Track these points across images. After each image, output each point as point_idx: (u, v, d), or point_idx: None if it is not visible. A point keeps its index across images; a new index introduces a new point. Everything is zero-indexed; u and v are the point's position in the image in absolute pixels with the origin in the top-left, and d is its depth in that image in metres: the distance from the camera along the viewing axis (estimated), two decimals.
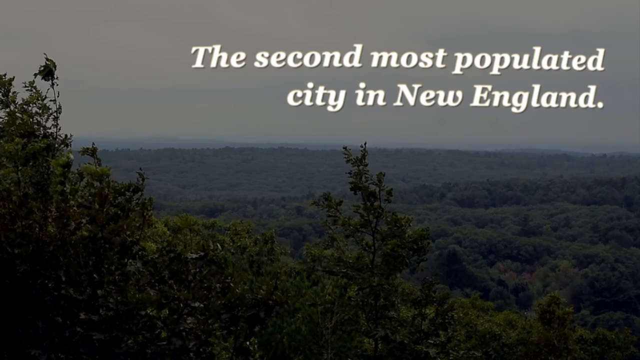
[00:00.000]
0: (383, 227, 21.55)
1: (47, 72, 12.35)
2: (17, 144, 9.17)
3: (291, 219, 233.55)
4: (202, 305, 9.66)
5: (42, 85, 13.66)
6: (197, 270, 9.73)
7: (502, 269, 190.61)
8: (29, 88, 13.66)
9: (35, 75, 12.71)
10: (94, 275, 9.45)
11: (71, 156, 9.42)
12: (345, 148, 21.36)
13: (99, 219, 9.40)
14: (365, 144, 21.32)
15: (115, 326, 9.29)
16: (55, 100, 13.10)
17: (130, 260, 9.61)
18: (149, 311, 9.45)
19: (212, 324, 9.68)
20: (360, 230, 21.54)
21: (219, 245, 9.95)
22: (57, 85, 12.70)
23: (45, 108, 13.67)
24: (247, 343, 10.00)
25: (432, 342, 21.13)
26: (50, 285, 9.33)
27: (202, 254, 9.76)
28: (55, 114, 13.43)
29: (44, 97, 13.62)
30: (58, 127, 13.56)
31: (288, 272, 36.61)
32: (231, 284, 9.81)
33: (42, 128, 13.49)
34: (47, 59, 12.28)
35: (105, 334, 9.18)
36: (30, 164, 9.37)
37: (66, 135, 13.40)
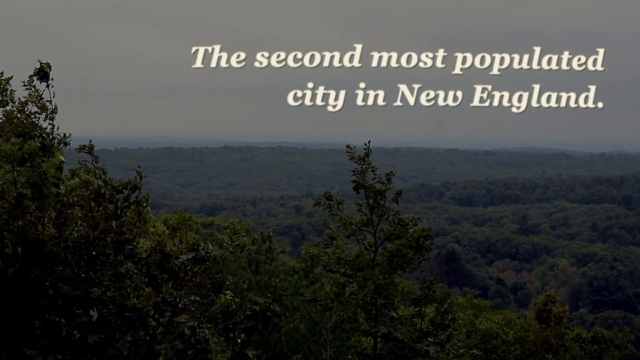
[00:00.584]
0: (386, 227, 21.47)
1: (42, 74, 12.40)
2: (14, 144, 9.14)
3: (290, 217, 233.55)
4: (197, 299, 9.66)
5: (41, 84, 13.73)
6: (188, 268, 9.71)
7: (500, 267, 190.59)
8: (28, 87, 13.68)
9: (31, 77, 12.77)
10: (90, 273, 9.44)
11: (62, 158, 9.39)
12: (348, 146, 21.25)
13: (89, 219, 9.39)
14: (369, 142, 21.18)
15: (110, 325, 9.28)
16: (50, 100, 13.16)
17: (123, 259, 9.60)
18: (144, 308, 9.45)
19: (206, 320, 9.68)
20: (362, 229, 21.47)
21: (209, 244, 9.94)
22: (53, 86, 12.75)
23: (44, 107, 13.70)
24: (245, 350, 10.01)
25: (431, 340, 21.14)
26: (47, 283, 9.31)
27: (191, 253, 9.74)
28: (51, 114, 13.49)
29: (41, 97, 13.66)
30: (57, 127, 13.60)
31: (286, 271, 36.61)
32: (225, 283, 9.81)
33: (38, 128, 13.54)
34: (41, 62, 12.32)
35: (101, 335, 9.17)
36: (28, 164, 9.36)
37: (64, 134, 13.43)
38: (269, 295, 10.05)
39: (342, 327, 24.98)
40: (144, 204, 9.88)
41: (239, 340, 9.96)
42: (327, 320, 24.18)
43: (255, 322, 9.76)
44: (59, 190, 9.27)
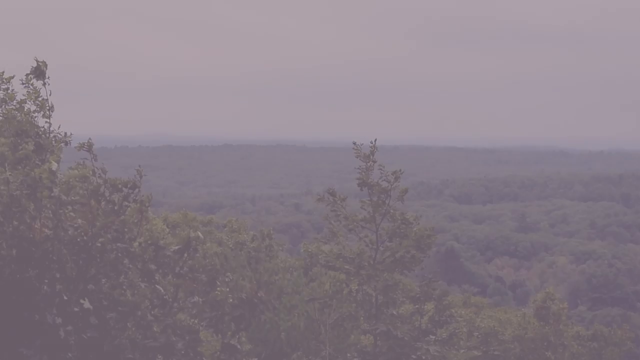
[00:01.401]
0: (389, 225, 21.44)
1: (39, 72, 12.43)
2: (3, 144, 9.13)
3: (289, 215, 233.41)
4: (200, 300, 9.68)
5: (37, 82, 13.76)
6: (182, 261, 9.71)
7: (499, 265, 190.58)
8: (27, 85, 13.71)
9: (27, 75, 12.81)
10: (92, 270, 9.43)
11: (54, 167, 9.38)
12: (355, 143, 21.25)
13: (87, 215, 9.40)
14: (375, 140, 21.17)
15: (106, 320, 9.28)
16: (47, 99, 13.20)
17: (119, 256, 9.60)
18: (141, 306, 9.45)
19: (199, 316, 9.71)
20: (364, 227, 21.43)
21: (199, 232, 9.94)
22: (49, 84, 12.78)
23: (42, 105, 13.73)
24: (235, 340, 10.02)
25: (433, 337, 21.14)
26: (45, 281, 9.28)
27: (181, 245, 9.73)
28: (48, 112, 13.52)
29: (39, 95, 13.69)
30: (58, 127, 13.62)
31: (285, 269, 36.63)
32: (218, 276, 9.83)
33: (36, 127, 13.57)
34: (37, 61, 12.35)
35: (97, 332, 9.16)
36: (19, 167, 9.35)
37: (65, 134, 13.45)
38: (254, 282, 10.07)
39: (345, 325, 24.98)
40: (147, 203, 9.90)
41: (229, 332, 9.99)
42: (326, 317, 24.19)
43: (242, 310, 9.80)
44: (52, 194, 9.27)
